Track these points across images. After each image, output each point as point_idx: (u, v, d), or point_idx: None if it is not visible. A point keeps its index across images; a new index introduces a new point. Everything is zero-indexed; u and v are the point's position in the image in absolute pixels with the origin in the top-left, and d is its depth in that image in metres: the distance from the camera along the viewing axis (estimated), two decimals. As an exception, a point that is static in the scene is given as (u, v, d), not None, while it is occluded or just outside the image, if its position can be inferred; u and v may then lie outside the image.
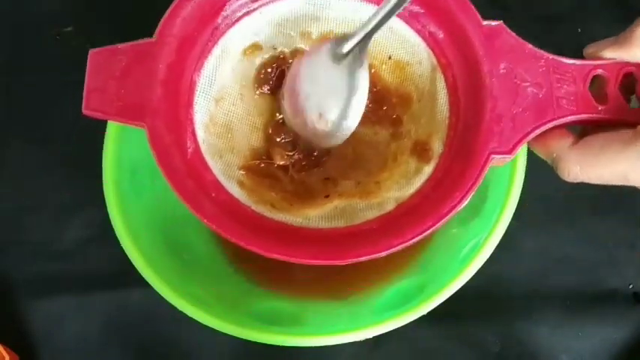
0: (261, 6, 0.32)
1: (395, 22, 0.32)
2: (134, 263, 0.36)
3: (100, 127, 0.38)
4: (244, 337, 0.36)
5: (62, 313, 0.44)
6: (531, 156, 0.37)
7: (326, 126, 0.31)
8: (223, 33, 0.32)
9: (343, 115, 0.30)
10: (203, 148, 0.31)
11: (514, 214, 0.37)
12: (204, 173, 0.30)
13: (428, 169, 0.31)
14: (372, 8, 0.33)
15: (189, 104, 0.31)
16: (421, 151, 0.32)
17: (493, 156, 0.28)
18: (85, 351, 0.43)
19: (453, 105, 0.31)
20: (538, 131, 0.29)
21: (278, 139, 0.33)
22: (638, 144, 0.27)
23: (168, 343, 0.43)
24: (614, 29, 0.48)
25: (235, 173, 0.32)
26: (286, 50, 0.34)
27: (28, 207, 0.46)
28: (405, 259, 0.42)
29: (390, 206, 0.31)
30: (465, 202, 0.28)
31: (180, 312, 0.36)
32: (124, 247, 0.37)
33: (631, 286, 0.44)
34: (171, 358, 0.43)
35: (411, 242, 0.28)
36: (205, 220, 0.28)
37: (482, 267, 0.36)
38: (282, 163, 0.33)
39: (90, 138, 0.38)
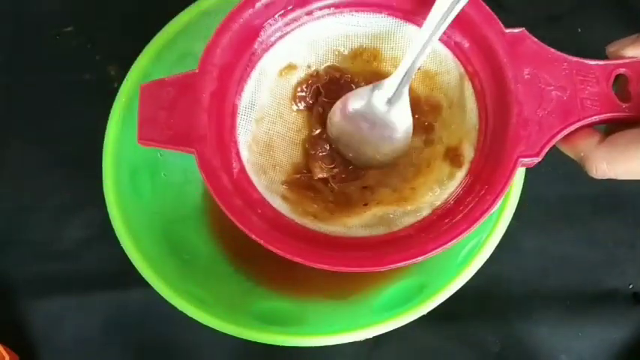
0: (293, 29, 0.34)
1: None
2: (134, 263, 0.37)
3: (100, 127, 0.38)
4: (244, 337, 0.36)
5: (62, 313, 0.44)
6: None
7: (376, 160, 0.35)
8: (260, 57, 0.33)
9: (390, 149, 0.34)
10: (248, 167, 0.32)
11: (514, 214, 0.37)
12: (250, 191, 0.32)
13: (460, 174, 0.32)
14: (400, 23, 0.34)
15: (232, 127, 0.32)
16: (453, 156, 0.33)
17: (521, 159, 0.29)
18: (85, 351, 0.44)
19: (482, 111, 0.32)
20: (564, 133, 0.30)
21: (316, 153, 0.35)
22: None
23: (168, 343, 0.43)
24: (614, 29, 0.48)
25: (279, 188, 0.34)
26: (320, 68, 0.36)
27: (28, 207, 0.46)
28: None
29: (425, 212, 0.32)
30: (496, 206, 0.29)
31: (180, 312, 0.36)
32: (124, 247, 0.37)
33: (631, 286, 0.44)
34: (171, 358, 0.43)
35: (446, 247, 0.29)
36: (254, 236, 0.29)
37: (482, 267, 0.36)
38: (321, 176, 0.35)
39: (90, 138, 0.38)
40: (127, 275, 0.37)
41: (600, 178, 0.29)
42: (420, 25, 0.33)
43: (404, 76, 0.32)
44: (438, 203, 0.32)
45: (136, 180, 0.39)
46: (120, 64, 0.47)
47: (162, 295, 0.36)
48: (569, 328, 0.43)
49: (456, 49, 0.33)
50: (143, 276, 0.36)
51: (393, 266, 0.29)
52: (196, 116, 0.30)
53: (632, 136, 0.28)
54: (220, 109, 0.32)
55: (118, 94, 0.39)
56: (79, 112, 0.46)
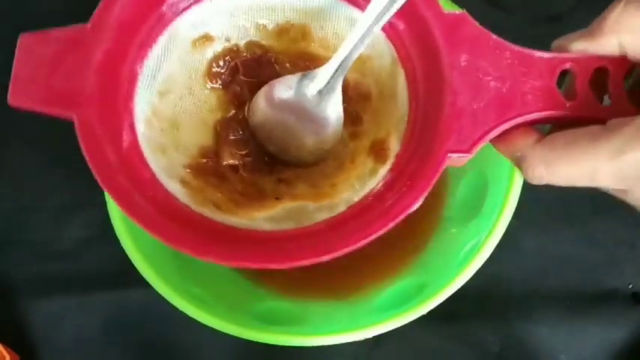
0: None
1: (354, 13, 0.31)
2: (134, 263, 0.37)
3: (100, 127, 0.38)
4: (244, 337, 0.36)
5: (62, 313, 0.44)
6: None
7: (300, 157, 0.32)
8: (170, 21, 0.30)
9: (315, 146, 0.31)
10: (143, 143, 0.29)
11: (514, 213, 0.37)
12: (140, 170, 0.28)
13: (383, 171, 0.29)
14: (333, 1, 0.31)
15: (128, 96, 0.28)
16: (378, 150, 0.30)
17: (450, 154, 0.26)
18: (85, 351, 0.43)
19: (412, 101, 0.29)
20: (500, 129, 0.27)
21: (228, 137, 0.32)
22: (607, 140, 0.24)
23: (169, 343, 0.43)
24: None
25: (179, 171, 0.30)
26: (241, 43, 0.32)
27: (28, 207, 0.46)
28: (404, 259, 0.42)
29: (340, 208, 0.29)
30: (417, 205, 0.26)
31: (181, 312, 0.36)
32: (124, 247, 0.37)
33: (630, 286, 0.44)
34: (171, 358, 0.43)
35: (357, 246, 0.26)
36: (135, 220, 0.26)
37: (482, 267, 0.36)
38: (231, 162, 0.32)
39: (90, 138, 0.38)
40: (127, 275, 0.37)
41: (537, 183, 0.27)
42: (356, 6, 0.31)
43: (338, 67, 0.29)
44: (355, 199, 0.29)
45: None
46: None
47: (163, 294, 0.36)
48: (569, 328, 0.43)
49: (389, 30, 0.30)
50: (143, 276, 0.36)
51: (295, 264, 0.26)
52: (83, 77, 0.27)
53: (573, 137, 0.25)
54: (115, 73, 0.28)
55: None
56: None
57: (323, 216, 0.29)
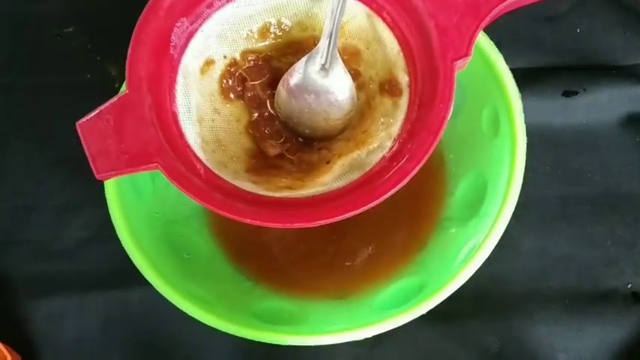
0: (200, 25, 0.34)
1: None
2: (135, 263, 0.37)
3: (100, 127, 0.38)
4: (244, 337, 0.36)
5: (62, 312, 0.44)
6: (531, 156, 0.37)
7: (331, 127, 0.35)
8: (179, 62, 0.34)
9: (340, 113, 0.35)
10: (210, 165, 0.33)
11: (513, 213, 0.37)
12: (223, 185, 0.32)
13: (404, 100, 0.34)
14: None
15: (180, 134, 0.33)
16: (390, 87, 0.34)
17: (456, 62, 0.31)
18: (86, 350, 0.44)
19: (400, 38, 0.34)
20: (482, 27, 0.31)
21: (263, 134, 0.36)
22: None
23: (169, 343, 0.43)
24: (614, 29, 0.48)
25: (245, 176, 0.34)
26: (236, 55, 0.36)
27: (28, 207, 0.46)
28: (404, 259, 0.42)
29: (388, 143, 0.33)
30: (451, 110, 0.30)
31: (181, 311, 0.36)
32: (125, 247, 0.37)
33: (629, 286, 0.44)
34: (171, 357, 0.44)
35: (423, 162, 0.30)
36: (248, 220, 0.30)
37: (482, 267, 0.36)
38: (275, 152, 0.36)
39: (90, 138, 0.38)
40: (127, 275, 0.37)
41: None
42: None
43: (329, 38, 0.33)
44: (395, 132, 0.33)
45: (136, 179, 0.39)
46: (120, 64, 0.47)
47: (163, 294, 0.36)
48: (568, 327, 0.43)
49: None
50: (144, 275, 0.37)
51: (386, 196, 0.30)
52: (145, 132, 0.31)
53: None
54: (163, 119, 0.32)
55: (119, 94, 0.39)
56: (79, 112, 0.45)
57: (378, 156, 0.33)
